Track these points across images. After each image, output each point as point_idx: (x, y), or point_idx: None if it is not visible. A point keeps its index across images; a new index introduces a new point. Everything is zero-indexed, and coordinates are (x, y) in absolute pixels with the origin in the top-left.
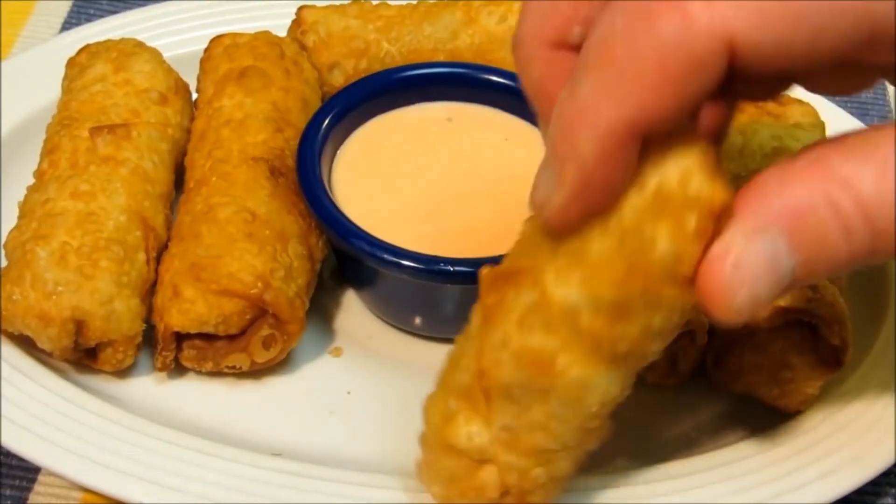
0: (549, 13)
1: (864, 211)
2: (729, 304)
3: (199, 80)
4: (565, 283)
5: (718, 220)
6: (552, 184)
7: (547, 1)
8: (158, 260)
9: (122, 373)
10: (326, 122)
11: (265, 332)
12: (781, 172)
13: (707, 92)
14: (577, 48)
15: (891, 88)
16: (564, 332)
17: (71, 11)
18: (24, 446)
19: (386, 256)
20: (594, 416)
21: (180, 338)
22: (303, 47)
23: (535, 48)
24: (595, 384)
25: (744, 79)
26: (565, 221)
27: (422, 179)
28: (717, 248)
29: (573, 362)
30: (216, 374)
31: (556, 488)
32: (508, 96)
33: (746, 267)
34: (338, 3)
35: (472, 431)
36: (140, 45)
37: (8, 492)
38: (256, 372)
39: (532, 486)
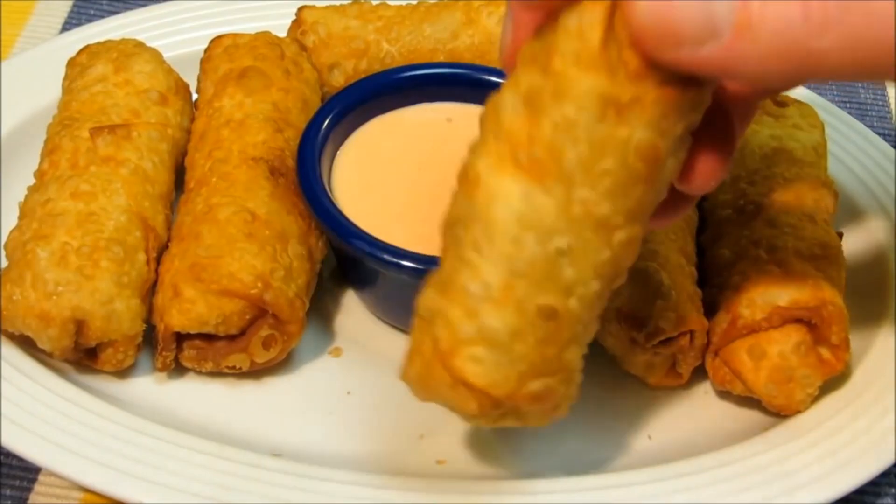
0: (523, 22)
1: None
2: (644, 7)
3: (199, 81)
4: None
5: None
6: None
7: (523, 10)
8: (159, 260)
9: (123, 373)
10: (326, 122)
11: (265, 332)
12: None
13: None
14: None
15: (891, 89)
16: (490, 133)
17: (71, 11)
18: (25, 446)
19: (385, 257)
20: (514, 253)
21: (180, 338)
22: (303, 48)
23: (515, 56)
24: (505, 195)
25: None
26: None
27: (421, 180)
28: None
29: (490, 166)
30: (216, 374)
31: (491, 363)
32: None
33: None
34: (338, 3)
35: (421, 294)
36: (140, 45)
37: (8, 492)
38: (256, 372)
39: (455, 342)
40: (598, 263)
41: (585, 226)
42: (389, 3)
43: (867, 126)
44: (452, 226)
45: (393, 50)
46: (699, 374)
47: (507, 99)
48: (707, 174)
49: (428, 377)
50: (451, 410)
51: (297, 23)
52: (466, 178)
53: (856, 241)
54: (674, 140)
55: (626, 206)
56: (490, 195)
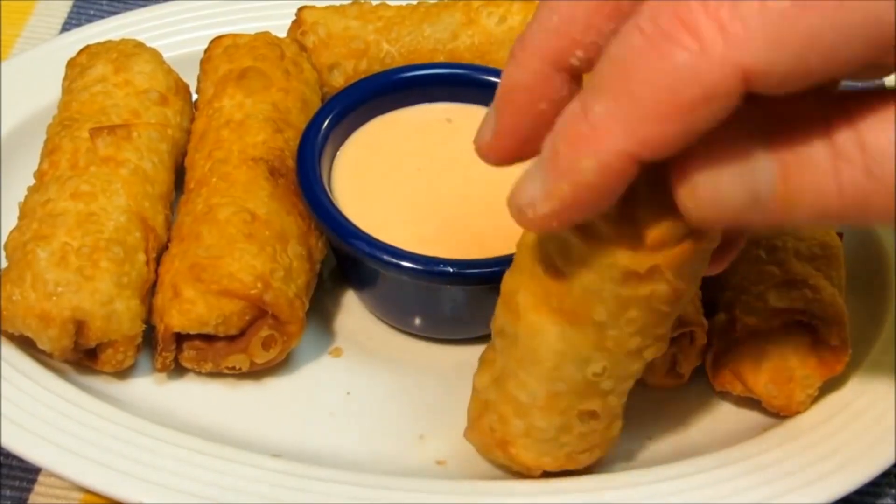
0: (558, 31)
1: (861, 144)
2: (692, 188)
3: (199, 81)
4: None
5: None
6: (540, 191)
7: (559, 17)
8: (158, 260)
9: (123, 373)
10: (326, 122)
11: (265, 332)
12: None
13: (720, 120)
14: (572, 72)
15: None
16: (526, 271)
17: (71, 12)
18: (24, 447)
19: (385, 257)
20: (556, 376)
21: (180, 338)
22: (303, 48)
23: (532, 58)
24: (544, 332)
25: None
26: (545, 228)
27: (421, 180)
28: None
29: (528, 304)
30: (216, 374)
31: (541, 450)
32: None
33: (717, 154)
34: (338, 3)
35: (479, 374)
36: (140, 45)
37: (8, 492)
38: (256, 372)
39: (509, 435)
40: (632, 372)
41: (618, 354)
42: (389, 3)
43: None
44: (501, 332)
45: (393, 50)
46: (699, 374)
47: (540, 252)
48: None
49: (488, 450)
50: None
51: (296, 23)
52: (510, 303)
53: (856, 241)
54: (697, 275)
55: (655, 334)
56: (531, 330)
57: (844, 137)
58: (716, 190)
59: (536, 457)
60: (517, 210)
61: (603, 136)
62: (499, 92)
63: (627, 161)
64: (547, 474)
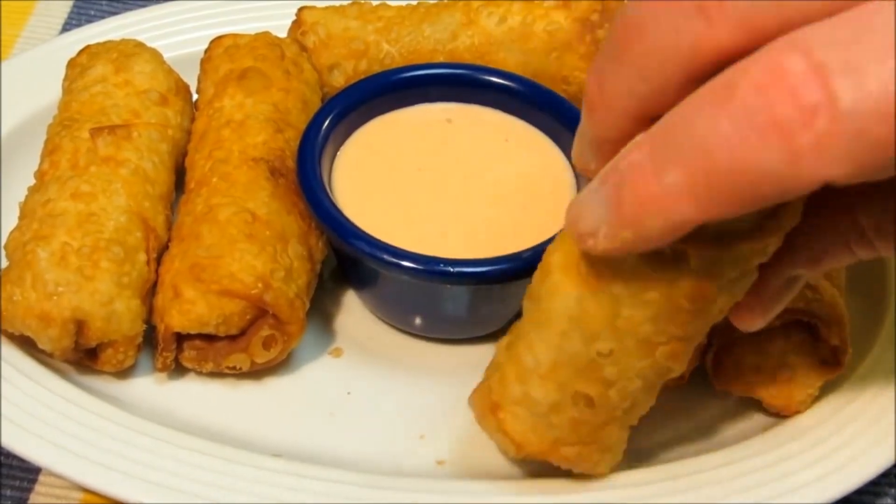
0: (648, 99)
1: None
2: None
3: (199, 81)
4: None
5: None
6: (603, 229)
7: (650, 88)
8: (159, 260)
9: (123, 373)
10: (326, 122)
11: (265, 332)
12: None
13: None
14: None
15: None
16: (566, 232)
17: (71, 12)
18: (25, 447)
19: (386, 257)
20: (563, 344)
21: (181, 338)
22: (303, 48)
23: (619, 118)
24: (564, 294)
25: None
26: (605, 254)
27: (421, 180)
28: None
29: (559, 264)
30: (216, 374)
31: (530, 425)
32: (508, 97)
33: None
34: (338, 4)
35: (504, 338)
36: (140, 45)
37: (8, 492)
38: (257, 372)
39: (504, 399)
40: (640, 368)
41: (628, 337)
42: (389, 3)
43: None
44: (530, 294)
45: (393, 50)
46: (699, 374)
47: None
48: (743, 320)
49: (482, 415)
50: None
51: (297, 23)
52: (544, 264)
53: None
54: (727, 281)
55: (670, 331)
56: (554, 288)
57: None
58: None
59: (523, 430)
60: (577, 236)
61: (673, 206)
62: (593, 139)
63: (692, 225)
64: (532, 473)
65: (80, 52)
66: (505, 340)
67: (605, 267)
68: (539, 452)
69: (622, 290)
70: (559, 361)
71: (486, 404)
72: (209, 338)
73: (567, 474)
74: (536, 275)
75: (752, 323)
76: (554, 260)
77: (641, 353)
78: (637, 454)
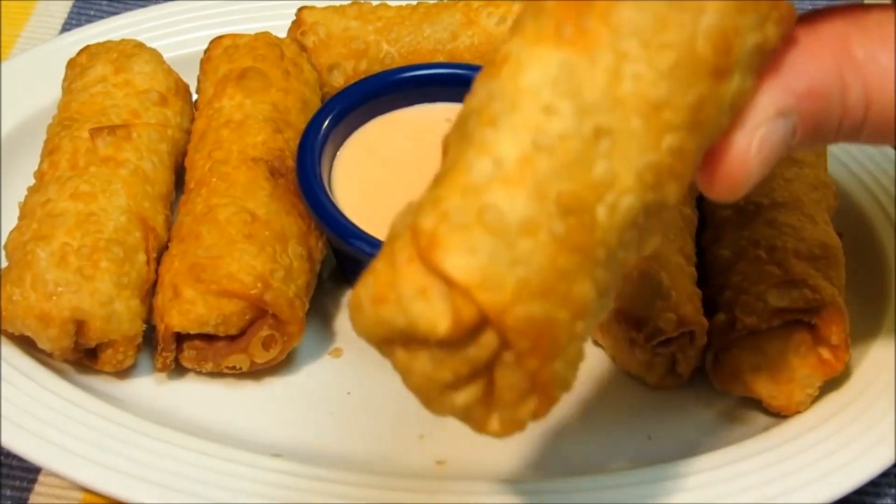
0: None
1: (868, 96)
2: (744, 182)
3: (199, 81)
4: None
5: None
6: None
7: None
8: (158, 260)
9: (123, 373)
10: (326, 122)
11: (265, 332)
12: (804, 45)
13: None
14: None
15: None
16: (524, 22)
17: (71, 12)
18: (25, 446)
19: None
20: (540, 124)
21: (180, 338)
22: (302, 48)
23: None
24: (538, 61)
25: None
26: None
27: (421, 180)
28: (742, 133)
29: (520, 46)
30: (216, 374)
31: (483, 260)
32: None
33: (766, 148)
34: (337, 4)
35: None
36: (140, 45)
37: (8, 492)
38: (256, 372)
39: (442, 232)
40: (640, 168)
41: (633, 109)
42: (389, 3)
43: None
44: (459, 127)
45: (393, 50)
46: (699, 374)
47: None
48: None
49: (384, 292)
50: (399, 358)
51: (296, 23)
52: (491, 63)
53: (856, 242)
54: (745, 49)
55: (685, 102)
56: (519, 65)
57: (855, 83)
58: (761, 174)
59: (477, 266)
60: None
61: None
62: None
63: None
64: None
65: (80, 53)
66: (403, 212)
67: (604, 13)
68: (495, 309)
69: (630, 31)
70: (539, 145)
71: (398, 269)
72: (209, 338)
73: (568, 473)
74: (474, 89)
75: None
76: (512, 45)
77: (647, 138)
78: (637, 455)
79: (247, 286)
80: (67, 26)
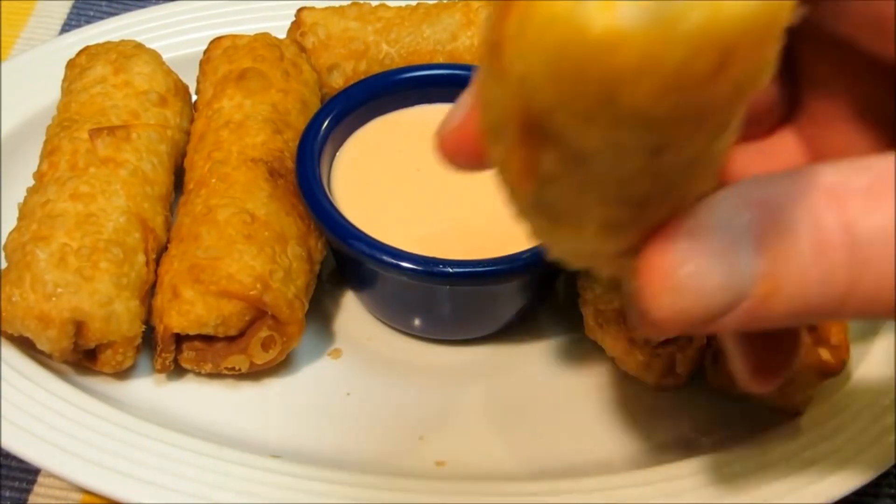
0: None
1: (848, 231)
2: (670, 283)
3: (198, 82)
4: None
5: None
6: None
7: None
8: (158, 261)
9: (122, 374)
10: (326, 123)
11: (264, 333)
12: (765, 176)
13: None
14: None
15: None
16: None
17: (70, 13)
18: (24, 448)
19: (385, 258)
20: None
21: (180, 339)
22: (302, 49)
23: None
24: None
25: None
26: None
27: (421, 181)
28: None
29: None
30: (215, 375)
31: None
32: None
33: (700, 244)
34: (337, 4)
35: None
36: (139, 46)
37: (8, 493)
38: (256, 373)
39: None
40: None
41: None
42: (389, 4)
43: None
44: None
45: (392, 51)
46: (699, 374)
47: None
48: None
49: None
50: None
51: (296, 24)
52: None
53: None
54: None
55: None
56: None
57: (827, 211)
58: (697, 287)
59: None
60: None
61: None
62: None
63: None
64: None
65: (80, 53)
66: None
67: None
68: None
69: None
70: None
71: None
72: (208, 339)
73: (568, 473)
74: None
75: (769, 380)
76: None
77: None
78: (637, 455)
79: (246, 287)
80: (67, 27)
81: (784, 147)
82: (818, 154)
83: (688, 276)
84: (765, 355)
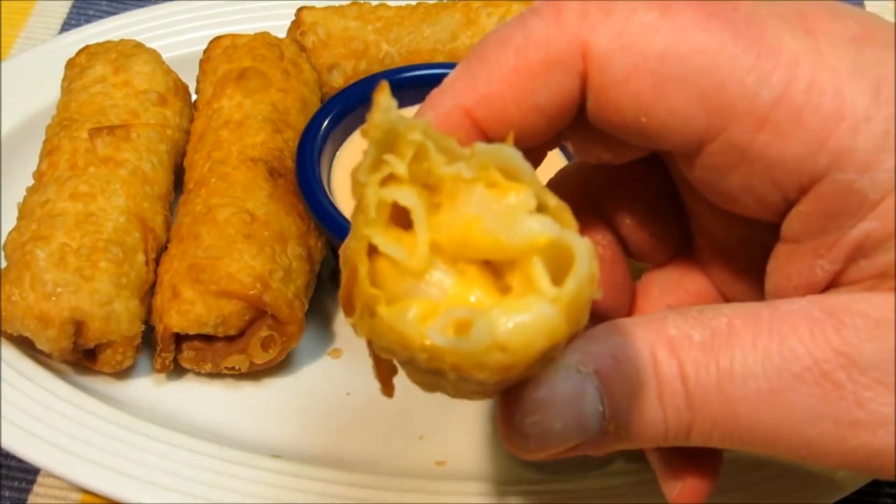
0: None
1: (685, 382)
2: (517, 428)
3: (198, 81)
4: None
5: None
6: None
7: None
8: (158, 261)
9: (122, 374)
10: (326, 123)
11: (264, 333)
12: (617, 323)
13: (557, 103)
14: None
15: None
16: None
17: (70, 12)
18: (24, 447)
19: None
20: None
21: (179, 339)
22: (302, 48)
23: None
24: None
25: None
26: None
27: None
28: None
29: None
30: (215, 375)
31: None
32: None
33: (545, 396)
34: (337, 4)
35: None
36: (139, 46)
37: (7, 493)
38: (256, 373)
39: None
40: None
41: None
42: (389, 3)
43: None
44: None
45: (392, 51)
46: None
47: None
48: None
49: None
50: None
51: (296, 23)
52: None
53: None
54: None
55: None
56: None
57: (667, 360)
58: (542, 427)
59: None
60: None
61: (446, 93)
62: None
63: (462, 112)
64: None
65: (79, 53)
66: None
67: None
68: None
69: None
70: None
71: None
72: (208, 338)
73: (567, 473)
74: None
75: (693, 495)
76: None
77: None
78: (637, 454)
79: (246, 286)
80: (67, 26)
81: (689, 276)
82: (714, 281)
83: (532, 424)
84: (684, 471)
